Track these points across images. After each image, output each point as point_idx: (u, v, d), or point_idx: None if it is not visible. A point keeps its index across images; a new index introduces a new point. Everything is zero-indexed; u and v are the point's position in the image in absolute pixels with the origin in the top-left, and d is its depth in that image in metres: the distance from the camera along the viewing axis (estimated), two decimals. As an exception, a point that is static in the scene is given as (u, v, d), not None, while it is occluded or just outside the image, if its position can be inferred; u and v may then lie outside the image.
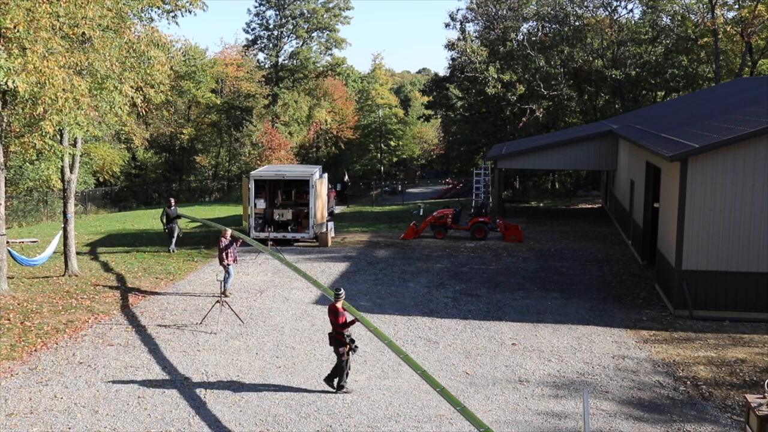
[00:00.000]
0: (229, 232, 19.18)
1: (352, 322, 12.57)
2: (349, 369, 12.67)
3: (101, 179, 52.29)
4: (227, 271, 18.82)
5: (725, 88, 33.92)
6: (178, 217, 26.00)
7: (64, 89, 16.39)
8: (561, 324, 16.63)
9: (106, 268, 22.73)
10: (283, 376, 13.26)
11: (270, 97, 65.98)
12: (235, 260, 19.13)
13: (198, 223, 29.52)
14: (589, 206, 40.87)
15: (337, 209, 40.15)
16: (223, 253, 18.74)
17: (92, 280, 20.88)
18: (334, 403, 12.05)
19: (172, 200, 26.66)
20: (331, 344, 12.66)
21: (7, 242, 20.39)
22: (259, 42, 68.59)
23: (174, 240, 25.47)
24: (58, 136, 20.02)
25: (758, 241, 16.67)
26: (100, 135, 30.69)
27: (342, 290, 12.79)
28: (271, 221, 27.61)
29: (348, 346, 12.43)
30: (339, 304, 12.54)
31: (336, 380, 12.55)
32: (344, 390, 12.50)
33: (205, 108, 61.93)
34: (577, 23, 51.02)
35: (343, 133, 71.64)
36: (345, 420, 11.43)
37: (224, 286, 18.53)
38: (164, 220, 25.61)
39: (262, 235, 25.39)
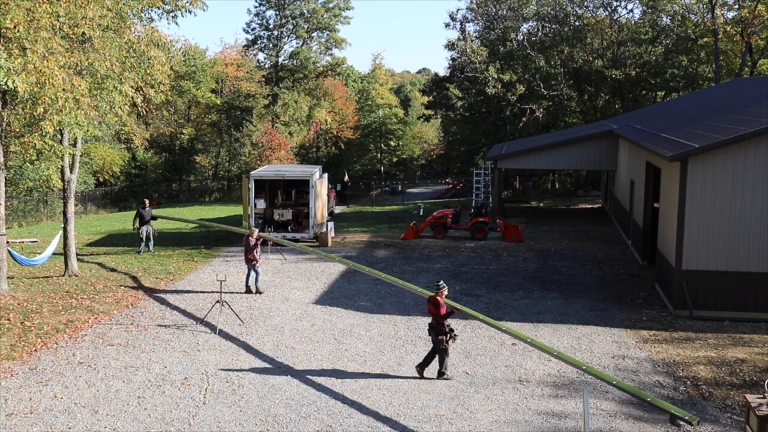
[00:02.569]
0: (256, 232, 19.51)
1: (452, 313, 13.19)
2: (448, 356, 13.24)
3: (101, 179, 52.26)
4: (255, 270, 19.24)
5: (725, 88, 33.92)
6: (154, 218, 25.63)
7: (64, 89, 16.39)
8: (561, 324, 16.64)
9: (106, 268, 22.72)
10: (283, 376, 13.26)
11: (270, 97, 65.98)
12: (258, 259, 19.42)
13: (197, 224, 29.46)
14: (589, 206, 40.86)
15: (337, 209, 40.14)
16: (252, 253, 19.00)
17: (92, 280, 20.88)
18: (334, 403, 12.06)
19: (147, 201, 26.12)
20: (429, 334, 13.26)
21: (7, 242, 20.38)
22: (259, 42, 68.63)
23: (151, 242, 25.14)
24: (58, 136, 20.01)
25: (758, 241, 16.67)
26: (100, 135, 30.68)
27: (443, 282, 13.43)
28: (271, 221, 27.61)
29: (447, 336, 13.02)
30: (440, 297, 13.13)
31: (427, 368, 13.17)
32: (445, 377, 13.09)
33: (205, 108, 61.92)
34: (577, 23, 51.00)
35: (343, 133, 71.64)
36: (345, 420, 11.43)
37: (256, 285, 19.32)
38: (137, 222, 25.10)
39: (262, 235, 25.35)
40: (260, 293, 19.22)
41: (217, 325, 16.20)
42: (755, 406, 9.63)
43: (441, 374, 13.18)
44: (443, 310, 13.04)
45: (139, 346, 14.92)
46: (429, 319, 16.90)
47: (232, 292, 19.13)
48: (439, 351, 13.13)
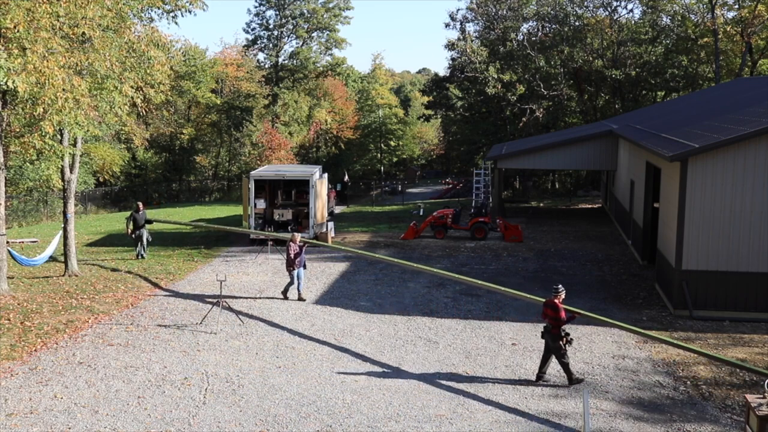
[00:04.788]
0: (298, 237, 18.79)
1: (572, 318, 13.16)
2: (569, 360, 13.06)
3: (101, 179, 52.24)
4: (297, 276, 18.46)
5: (725, 88, 33.92)
6: (149, 222, 24.87)
7: (64, 89, 16.39)
8: (561, 324, 16.61)
9: (106, 268, 22.72)
10: (283, 376, 13.26)
11: (270, 97, 65.98)
12: (304, 266, 18.72)
13: (195, 227, 29.46)
14: (589, 206, 40.87)
15: (337, 209, 40.15)
16: (296, 260, 18.33)
17: (92, 280, 20.88)
18: (334, 403, 12.06)
19: (140, 204, 25.15)
20: (543, 338, 13.10)
21: (7, 242, 20.38)
22: (259, 42, 68.63)
23: (145, 245, 24.29)
24: (58, 136, 20.01)
25: (758, 241, 16.67)
26: (100, 135, 30.63)
27: (561, 286, 13.24)
28: (271, 221, 27.61)
29: (564, 339, 12.84)
30: (558, 300, 12.97)
31: (568, 376, 12.98)
32: (576, 380, 12.88)
33: (205, 108, 61.92)
34: (577, 23, 51.01)
35: (343, 133, 71.65)
36: (345, 420, 11.43)
37: (298, 291, 18.57)
38: (130, 226, 24.25)
39: (262, 235, 25.36)
40: (286, 299, 18.65)
41: (217, 325, 16.20)
42: (755, 406, 9.63)
43: (571, 380, 12.86)
44: (563, 314, 12.80)
45: (139, 346, 14.92)
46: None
47: (232, 294, 19.12)
48: (559, 358, 12.84)
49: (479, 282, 16.59)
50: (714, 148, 16.58)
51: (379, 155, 78.48)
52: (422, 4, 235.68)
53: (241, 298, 18.82)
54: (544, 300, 13.55)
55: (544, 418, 11.55)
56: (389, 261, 19.53)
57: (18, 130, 19.04)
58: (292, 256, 18.33)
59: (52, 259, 22.90)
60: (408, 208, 41.14)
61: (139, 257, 24.20)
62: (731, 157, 16.62)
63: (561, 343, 12.76)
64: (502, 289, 16.02)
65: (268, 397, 12.33)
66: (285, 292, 18.81)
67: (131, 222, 24.36)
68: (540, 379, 13.02)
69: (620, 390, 12.72)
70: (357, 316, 17.31)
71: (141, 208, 24.67)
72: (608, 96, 52.12)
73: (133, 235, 24.40)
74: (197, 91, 58.13)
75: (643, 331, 14.17)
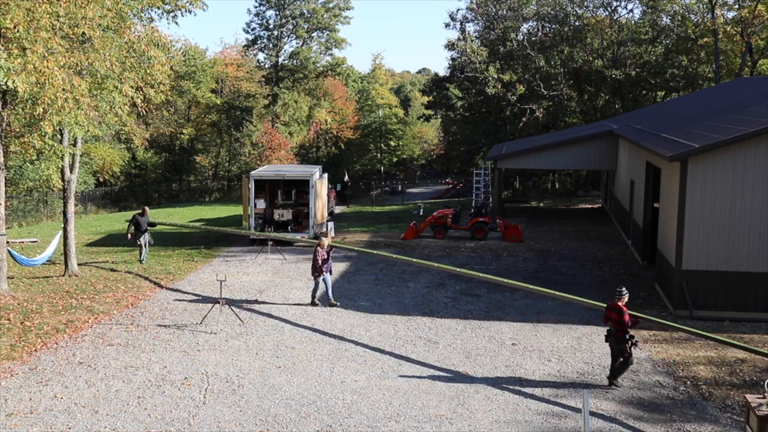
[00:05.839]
0: (326, 242, 18.17)
1: (637, 322, 13.10)
2: (632, 364, 12.93)
3: (101, 179, 52.23)
4: (324, 282, 17.97)
5: (725, 88, 33.92)
6: (152, 225, 24.26)
7: (64, 89, 16.39)
8: (561, 324, 16.64)
9: (106, 268, 22.72)
10: (283, 376, 13.26)
11: (270, 97, 65.99)
12: (330, 271, 18.14)
13: (198, 230, 29.44)
14: (589, 206, 40.86)
15: (337, 209, 40.15)
16: (323, 266, 17.79)
17: (92, 280, 20.87)
18: (334, 403, 12.06)
19: (146, 208, 24.39)
20: (607, 341, 13.00)
21: (7, 242, 20.37)
22: (259, 42, 68.65)
23: (145, 250, 23.56)
24: (58, 136, 20.00)
25: (758, 241, 16.68)
26: (100, 135, 30.61)
27: (624, 289, 13.10)
28: (271, 221, 27.61)
29: (629, 342, 12.73)
30: (621, 303, 12.84)
31: (614, 376, 12.90)
32: (615, 385, 12.80)
33: (205, 108, 61.92)
34: (577, 23, 51.02)
35: (343, 133, 71.64)
36: (345, 420, 11.43)
37: (328, 298, 18.09)
38: (132, 229, 23.43)
39: (262, 235, 25.36)
40: (334, 305, 17.99)
41: (217, 325, 16.20)
42: (755, 406, 9.63)
43: (613, 381, 12.82)
44: (627, 318, 12.68)
45: (139, 346, 14.92)
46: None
47: (232, 294, 19.11)
48: (624, 360, 12.74)
49: (531, 287, 16.32)
50: (714, 148, 16.58)
51: (379, 155, 78.49)
52: (422, 4, 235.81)
53: (241, 298, 18.82)
54: (605, 305, 13.40)
55: (544, 418, 11.55)
56: (416, 263, 19.24)
57: (18, 130, 19.04)
58: (320, 262, 17.78)
59: (50, 262, 22.87)
60: (408, 208, 41.14)
61: (143, 261, 23.55)
62: (731, 157, 16.62)
63: (626, 346, 12.68)
64: (558, 293, 15.73)
65: (268, 397, 12.33)
66: (313, 297, 18.30)
67: (132, 225, 23.61)
68: (612, 384, 12.87)
69: (620, 390, 12.72)
70: (357, 316, 17.31)
71: (146, 212, 23.92)
72: (608, 96, 52.13)
73: (137, 240, 23.59)
74: (197, 91, 58.14)
75: (707, 333, 13.98)
